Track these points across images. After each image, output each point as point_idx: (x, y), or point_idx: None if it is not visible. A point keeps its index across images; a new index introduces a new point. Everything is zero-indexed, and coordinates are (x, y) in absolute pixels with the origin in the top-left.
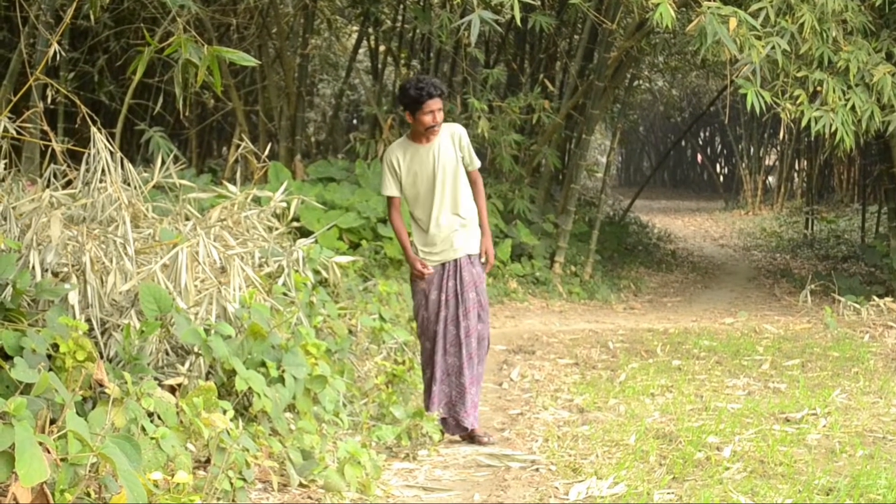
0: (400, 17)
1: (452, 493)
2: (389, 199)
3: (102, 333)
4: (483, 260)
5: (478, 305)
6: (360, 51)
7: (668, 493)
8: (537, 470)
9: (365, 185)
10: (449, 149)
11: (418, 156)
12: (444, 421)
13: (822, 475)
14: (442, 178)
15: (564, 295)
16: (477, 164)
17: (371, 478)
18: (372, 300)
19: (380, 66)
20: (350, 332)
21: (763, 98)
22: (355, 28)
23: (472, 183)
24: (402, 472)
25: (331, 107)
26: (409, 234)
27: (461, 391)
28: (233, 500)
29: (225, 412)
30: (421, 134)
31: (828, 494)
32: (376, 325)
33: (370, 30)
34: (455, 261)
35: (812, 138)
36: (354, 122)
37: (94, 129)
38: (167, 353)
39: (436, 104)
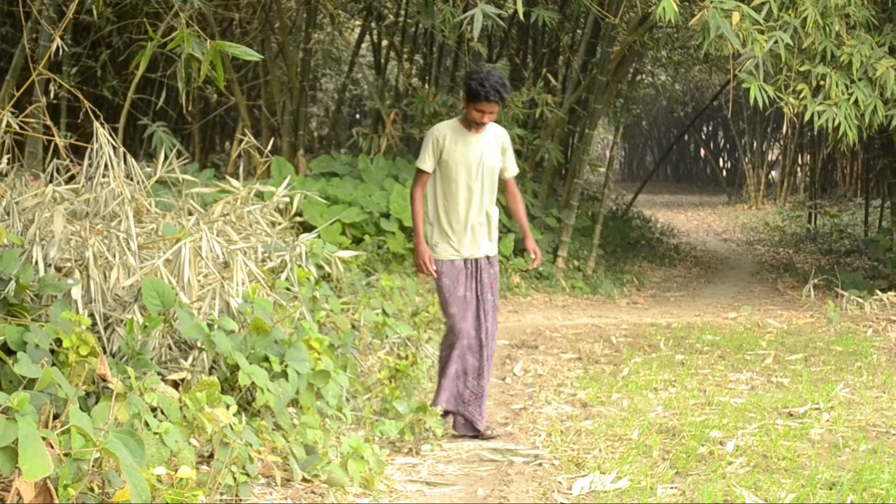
0: (403, 12)
1: (456, 487)
2: (419, 173)
3: (106, 328)
4: (532, 257)
5: (493, 307)
6: (363, 45)
7: (672, 488)
8: (540, 465)
9: (368, 179)
10: (494, 149)
11: (465, 141)
12: (450, 415)
13: (825, 470)
14: (482, 172)
15: (567, 290)
16: (515, 171)
17: (374, 473)
18: (375, 295)
19: (382, 60)
20: (353, 326)
21: (766, 92)
22: (358, 22)
23: (510, 190)
24: (405, 466)
25: (333, 102)
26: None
27: (479, 393)
28: (236, 495)
29: (228, 407)
30: (469, 122)
31: (831, 489)
32: (379, 320)
33: (373, 24)
34: (476, 260)
35: (815, 133)
36: (357, 116)
37: (96, 124)
38: (170, 348)
39: (491, 108)
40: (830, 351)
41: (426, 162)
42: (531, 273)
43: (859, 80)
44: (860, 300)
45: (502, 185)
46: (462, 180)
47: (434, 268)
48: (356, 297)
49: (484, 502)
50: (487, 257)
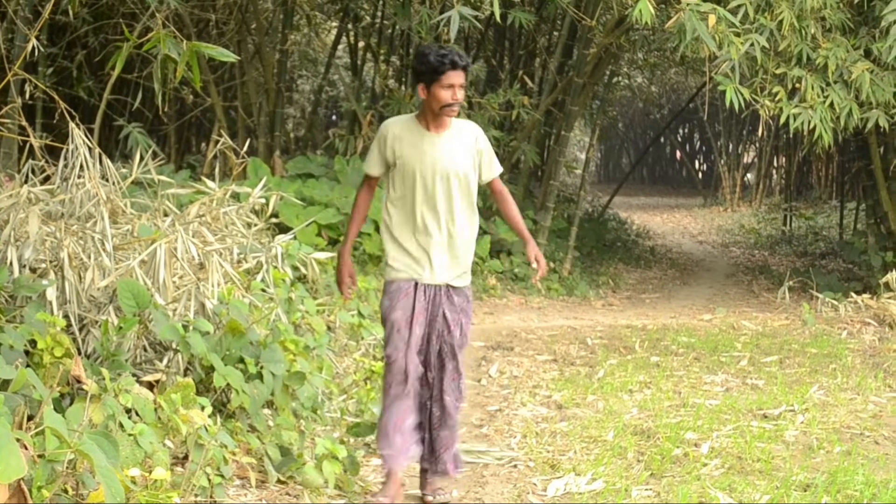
0: (379, 13)
1: None
2: (365, 178)
3: (80, 330)
4: (535, 266)
5: (453, 361)
6: (340, 47)
7: (646, 490)
8: (515, 466)
9: (344, 181)
10: (461, 151)
11: (421, 142)
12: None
13: (799, 471)
14: (443, 181)
15: (543, 291)
16: (497, 169)
17: (349, 474)
18: (351, 296)
19: (359, 62)
20: (329, 328)
21: (742, 95)
22: (335, 24)
23: (498, 193)
24: (380, 468)
25: (310, 103)
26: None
27: (435, 458)
28: (211, 497)
29: (203, 408)
30: (433, 114)
31: (805, 490)
32: (355, 322)
33: (349, 26)
34: (433, 288)
35: (791, 135)
36: (333, 118)
37: (72, 125)
38: (145, 350)
39: (458, 77)
40: (805, 353)
41: (371, 165)
42: (507, 274)
43: (835, 82)
44: (835, 302)
45: (487, 189)
46: (417, 190)
47: (355, 288)
48: (332, 299)
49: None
50: (449, 287)
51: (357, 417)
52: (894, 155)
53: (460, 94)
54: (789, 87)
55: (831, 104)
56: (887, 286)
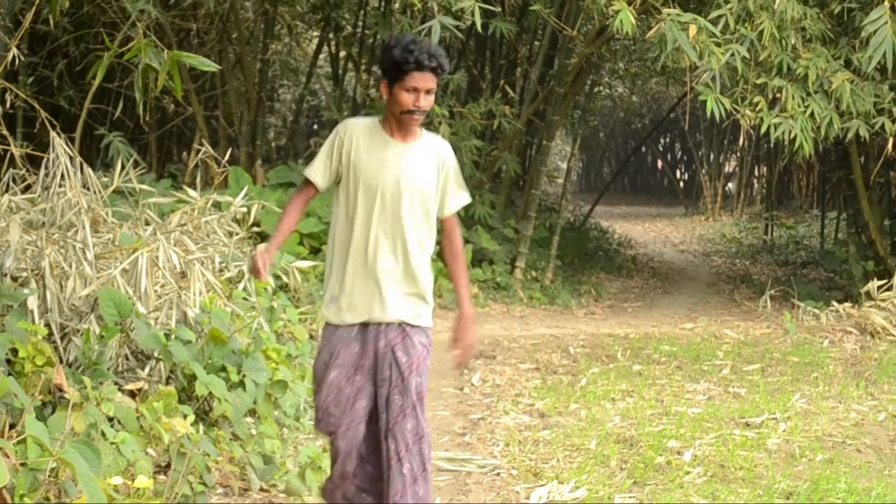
0: (360, 23)
1: None
2: (305, 184)
3: (62, 338)
4: (454, 341)
5: (412, 423)
6: (321, 56)
7: (629, 498)
8: (498, 475)
9: (325, 190)
10: (427, 168)
11: (384, 151)
12: None
13: (781, 479)
14: (405, 198)
15: (525, 300)
16: (462, 200)
17: None
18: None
19: (340, 71)
20: (311, 336)
21: (723, 105)
22: (316, 33)
23: (446, 233)
24: None
25: (291, 112)
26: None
27: None
28: None
29: (185, 417)
30: (396, 120)
31: (787, 499)
32: None
33: (331, 35)
34: (380, 326)
35: (771, 145)
36: (315, 127)
37: (53, 134)
38: (127, 358)
39: (425, 81)
40: (787, 362)
41: (317, 171)
42: (488, 283)
43: (815, 92)
44: (816, 311)
45: (438, 225)
46: (375, 208)
47: (267, 276)
48: (314, 307)
49: None
50: (403, 326)
51: None
52: (874, 165)
53: (425, 101)
54: (770, 96)
55: (812, 114)
56: (868, 295)
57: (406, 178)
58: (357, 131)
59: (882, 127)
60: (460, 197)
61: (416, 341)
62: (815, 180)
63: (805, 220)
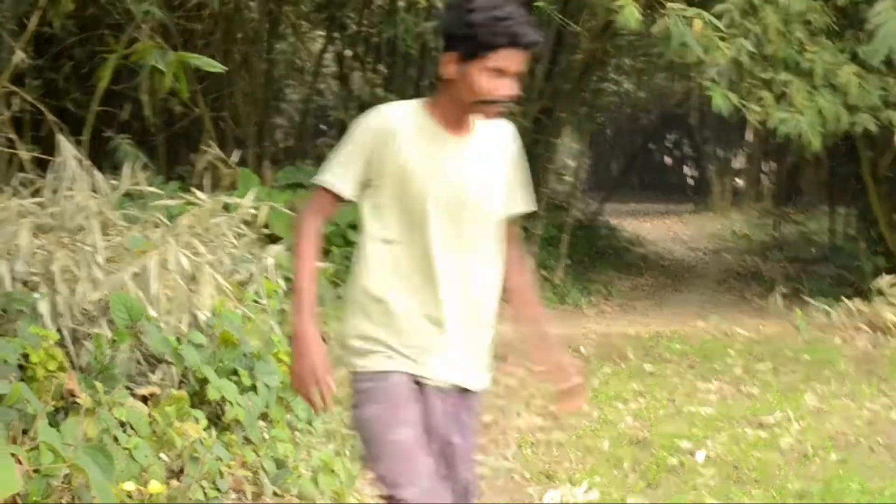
0: (365, 22)
1: None
2: (319, 194)
3: (73, 343)
4: (566, 385)
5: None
6: (327, 56)
7: (642, 499)
8: (511, 477)
9: None
10: (495, 168)
11: (439, 149)
12: None
13: (794, 479)
14: (472, 214)
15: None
16: (528, 204)
17: (345, 486)
18: (343, 306)
19: (346, 70)
20: (322, 339)
21: (729, 100)
22: (321, 33)
23: (512, 241)
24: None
25: (298, 112)
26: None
27: None
28: None
29: (198, 421)
30: (460, 108)
31: (801, 499)
32: None
33: (336, 34)
34: (458, 393)
35: (780, 140)
36: (322, 127)
37: (60, 137)
38: (139, 363)
39: (517, 61)
40: (799, 360)
41: (342, 176)
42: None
43: (822, 87)
44: (827, 308)
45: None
46: (430, 225)
47: (332, 392)
48: (324, 309)
49: None
50: (464, 392)
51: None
52: (882, 159)
53: (514, 89)
54: (777, 91)
55: (819, 109)
56: (879, 291)
57: (476, 181)
58: (398, 122)
59: (890, 121)
60: (527, 198)
61: (472, 414)
62: (824, 175)
63: (815, 216)
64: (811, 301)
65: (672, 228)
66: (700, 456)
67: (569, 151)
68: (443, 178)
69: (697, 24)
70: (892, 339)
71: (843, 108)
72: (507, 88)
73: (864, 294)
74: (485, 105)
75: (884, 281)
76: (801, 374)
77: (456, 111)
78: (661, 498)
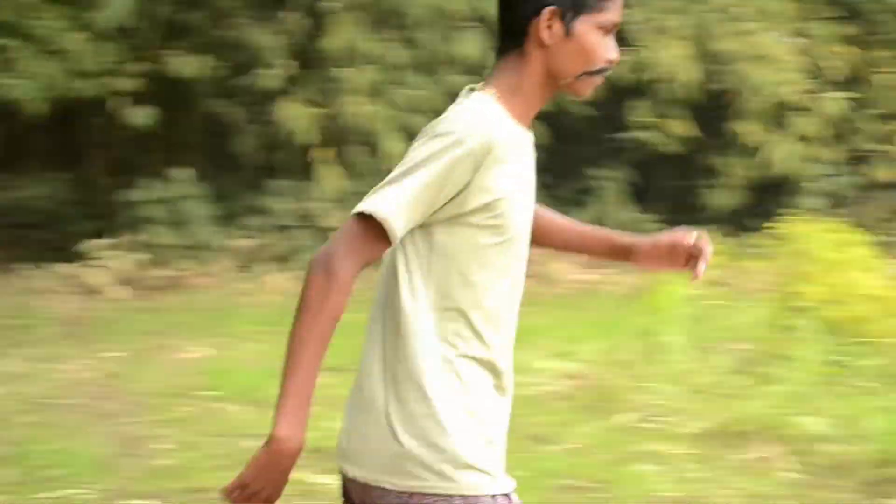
0: None
1: None
2: (364, 228)
3: None
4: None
5: None
6: None
7: None
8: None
9: None
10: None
11: (528, 164)
12: None
13: None
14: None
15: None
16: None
17: None
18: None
19: None
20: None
21: None
22: None
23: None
24: None
25: None
26: None
27: None
28: None
29: None
30: (549, 90)
31: None
32: None
33: None
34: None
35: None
36: None
37: None
38: None
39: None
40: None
41: (402, 214)
42: None
43: (48, 52)
44: (36, 272)
45: None
46: (514, 275)
47: None
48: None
49: None
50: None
51: None
52: (99, 123)
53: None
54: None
55: (45, 75)
56: (90, 255)
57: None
58: (501, 139)
59: (108, 88)
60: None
61: None
62: (47, 141)
63: (38, 182)
64: (19, 266)
65: None
66: None
67: None
68: (528, 201)
69: None
70: (101, 301)
71: (71, 75)
72: (615, 51)
73: (78, 258)
74: (592, 77)
75: (94, 244)
76: (3, 339)
77: (538, 97)
78: None
